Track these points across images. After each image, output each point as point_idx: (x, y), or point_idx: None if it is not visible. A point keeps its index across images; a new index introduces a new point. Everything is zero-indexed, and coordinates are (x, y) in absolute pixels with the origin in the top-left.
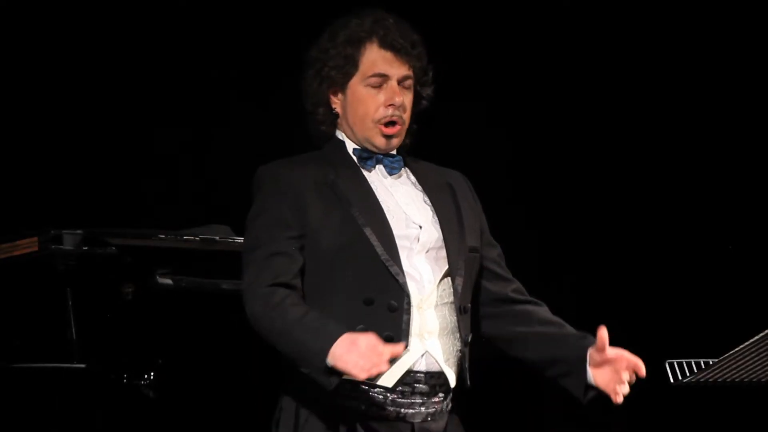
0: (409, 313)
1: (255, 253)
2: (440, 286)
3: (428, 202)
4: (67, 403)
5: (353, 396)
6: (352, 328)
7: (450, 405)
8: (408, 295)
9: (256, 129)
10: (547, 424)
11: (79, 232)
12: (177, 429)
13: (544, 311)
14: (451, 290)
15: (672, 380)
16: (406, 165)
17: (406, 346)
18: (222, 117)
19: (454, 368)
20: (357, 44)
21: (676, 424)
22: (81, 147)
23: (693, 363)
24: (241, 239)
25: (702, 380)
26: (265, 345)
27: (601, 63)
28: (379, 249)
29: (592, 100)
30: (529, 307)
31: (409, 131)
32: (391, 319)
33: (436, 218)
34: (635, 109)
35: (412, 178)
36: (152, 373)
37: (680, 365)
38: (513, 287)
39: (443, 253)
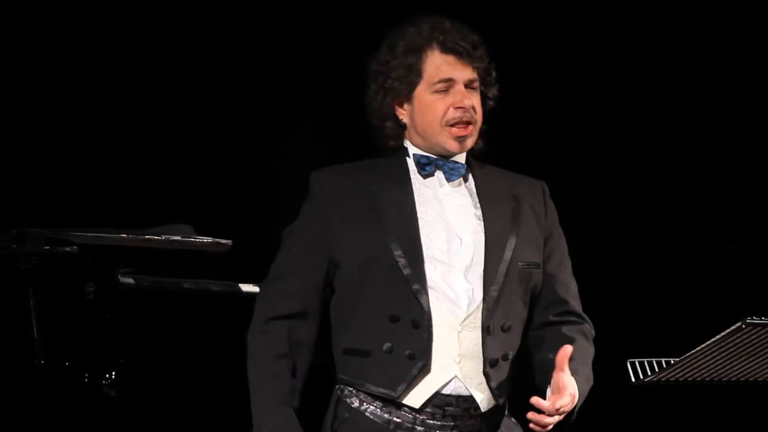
0: (429, 330)
1: (268, 278)
2: (483, 306)
3: (479, 215)
4: (28, 402)
5: (385, 412)
6: (380, 345)
7: (497, 424)
8: (428, 313)
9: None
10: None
11: (41, 231)
12: (139, 428)
13: (568, 333)
14: (497, 310)
15: (633, 379)
16: (471, 172)
17: (426, 365)
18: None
19: (488, 392)
20: (417, 52)
21: (637, 424)
22: (44, 145)
23: (654, 362)
24: (202, 238)
25: (663, 380)
26: (226, 345)
27: (599, 62)
28: (403, 264)
29: (588, 99)
30: (551, 331)
31: (479, 133)
32: (414, 337)
33: (483, 233)
34: (624, 107)
35: (472, 187)
36: (114, 373)
37: (641, 364)
38: (558, 310)
39: (482, 270)
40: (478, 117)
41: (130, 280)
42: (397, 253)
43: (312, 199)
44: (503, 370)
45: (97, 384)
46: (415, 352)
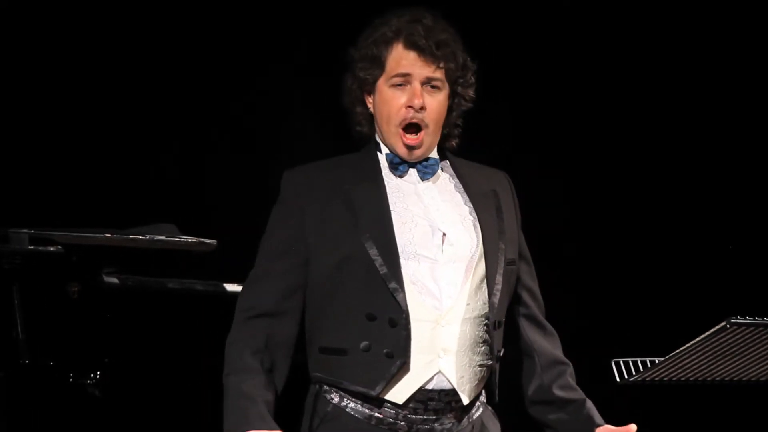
0: (407, 329)
1: (246, 282)
2: (467, 300)
3: (471, 209)
4: (11, 402)
5: (366, 408)
6: (357, 343)
7: (479, 414)
8: (405, 311)
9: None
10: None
11: (25, 231)
12: (123, 428)
13: (551, 350)
14: (483, 304)
15: (618, 379)
16: (451, 165)
17: (405, 363)
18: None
19: (470, 385)
20: (384, 44)
21: (622, 424)
22: (26, 145)
23: (639, 362)
24: (186, 238)
25: (648, 379)
26: (211, 345)
27: (598, 63)
28: (379, 263)
29: (585, 99)
30: (537, 343)
31: (453, 133)
32: (391, 335)
33: (478, 227)
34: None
35: (456, 181)
36: (98, 372)
37: (626, 364)
38: (525, 312)
39: (480, 264)
40: (431, 119)
41: (115, 280)
42: (373, 251)
43: (285, 199)
44: (497, 364)
45: (81, 384)
46: (393, 351)
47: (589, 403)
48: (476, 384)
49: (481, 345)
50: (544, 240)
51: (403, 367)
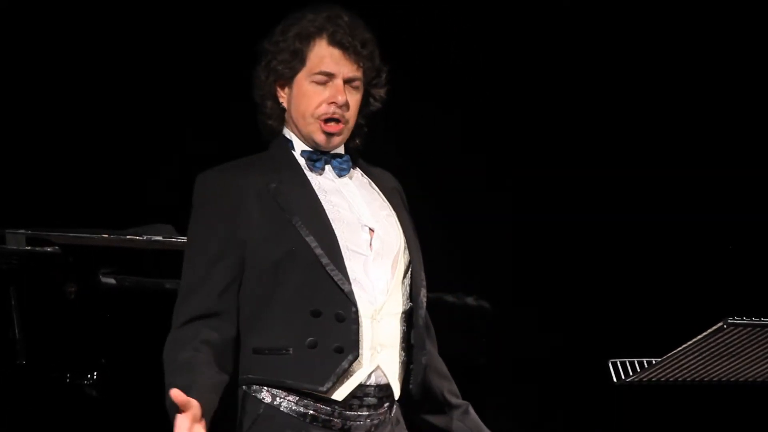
0: (357, 323)
1: (184, 286)
2: (396, 295)
3: (388, 205)
4: (9, 402)
5: (301, 405)
6: (302, 342)
7: (395, 411)
8: (355, 304)
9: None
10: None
11: (22, 231)
12: (120, 428)
13: (436, 353)
14: (407, 299)
15: (615, 380)
16: (358, 166)
17: (357, 357)
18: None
19: (401, 380)
20: (306, 39)
21: (619, 424)
22: (24, 145)
23: (636, 362)
24: (183, 238)
25: (645, 380)
26: None
27: (599, 63)
28: (323, 258)
29: (583, 98)
30: (426, 343)
31: (358, 132)
32: (340, 330)
33: (398, 223)
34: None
35: (366, 178)
36: (95, 373)
37: (623, 364)
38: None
39: (403, 259)
40: (351, 116)
41: (112, 281)
42: (315, 246)
43: (209, 202)
44: (425, 361)
45: (78, 384)
46: (344, 346)
47: (471, 408)
48: (403, 379)
49: (407, 340)
50: (542, 240)
51: (355, 362)
